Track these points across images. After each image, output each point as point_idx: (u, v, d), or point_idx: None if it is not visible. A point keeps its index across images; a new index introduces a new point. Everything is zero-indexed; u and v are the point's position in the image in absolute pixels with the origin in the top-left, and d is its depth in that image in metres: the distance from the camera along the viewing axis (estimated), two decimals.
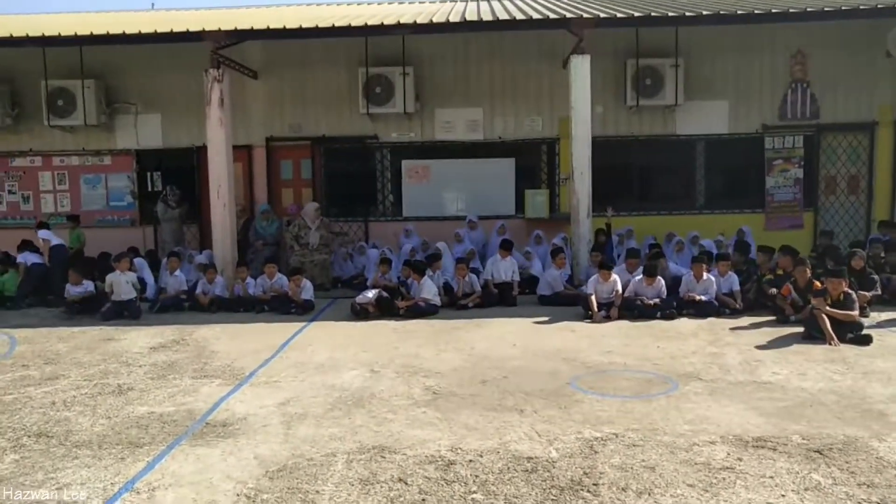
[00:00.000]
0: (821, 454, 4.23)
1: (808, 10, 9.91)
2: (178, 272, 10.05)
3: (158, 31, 10.09)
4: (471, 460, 4.24)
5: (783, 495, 3.71)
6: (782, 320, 7.90)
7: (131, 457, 4.41)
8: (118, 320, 8.94)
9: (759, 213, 12.17)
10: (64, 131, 12.35)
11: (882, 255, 9.54)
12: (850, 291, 7.38)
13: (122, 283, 9.27)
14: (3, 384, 6.12)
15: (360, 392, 5.66)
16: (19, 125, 12.41)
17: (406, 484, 3.95)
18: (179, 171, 12.55)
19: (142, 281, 9.99)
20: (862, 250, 9.19)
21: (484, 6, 12.42)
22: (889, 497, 3.68)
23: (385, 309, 8.89)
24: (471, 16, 10.68)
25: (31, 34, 10.28)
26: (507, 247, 9.98)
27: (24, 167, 12.67)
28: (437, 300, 9.07)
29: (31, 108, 12.21)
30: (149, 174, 12.69)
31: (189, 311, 9.57)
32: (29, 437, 4.80)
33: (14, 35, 10.32)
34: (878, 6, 9.91)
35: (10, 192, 12.73)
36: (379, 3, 14.76)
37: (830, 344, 6.83)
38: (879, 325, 7.75)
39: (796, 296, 7.97)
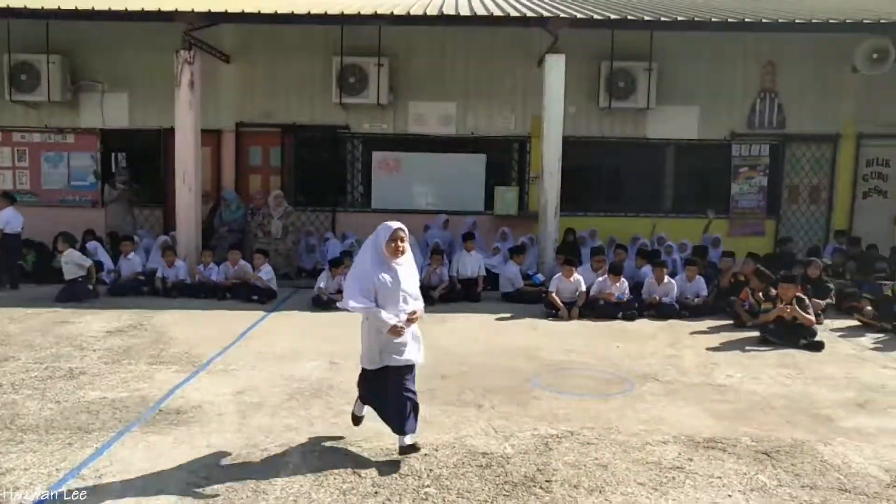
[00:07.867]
0: (768, 456, 4.32)
1: (780, 21, 10.06)
2: (132, 255, 9.88)
3: (129, 8, 9.83)
4: (426, 454, 4.24)
5: (729, 495, 3.79)
6: (739, 325, 8.06)
7: (79, 442, 4.32)
8: (74, 303, 8.74)
9: (723, 218, 12.37)
10: (26, 107, 12.00)
11: (842, 264, 9.78)
12: (802, 297, 7.54)
13: (63, 265, 9.13)
14: None
15: (319, 383, 5.63)
16: None
17: (360, 476, 3.93)
18: (146, 152, 12.31)
19: (99, 263, 9.78)
20: (818, 259, 9.40)
21: (462, 1, 12.38)
22: (830, 499, 3.78)
23: None
24: (448, 10, 10.62)
25: None
26: (470, 238, 9.99)
27: None
28: None
29: None
30: (113, 155, 12.42)
31: (148, 295, 9.40)
32: None
33: None
34: (847, 21, 10.11)
35: None
36: None
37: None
38: (832, 331, 7.94)
39: (753, 301, 8.12)
